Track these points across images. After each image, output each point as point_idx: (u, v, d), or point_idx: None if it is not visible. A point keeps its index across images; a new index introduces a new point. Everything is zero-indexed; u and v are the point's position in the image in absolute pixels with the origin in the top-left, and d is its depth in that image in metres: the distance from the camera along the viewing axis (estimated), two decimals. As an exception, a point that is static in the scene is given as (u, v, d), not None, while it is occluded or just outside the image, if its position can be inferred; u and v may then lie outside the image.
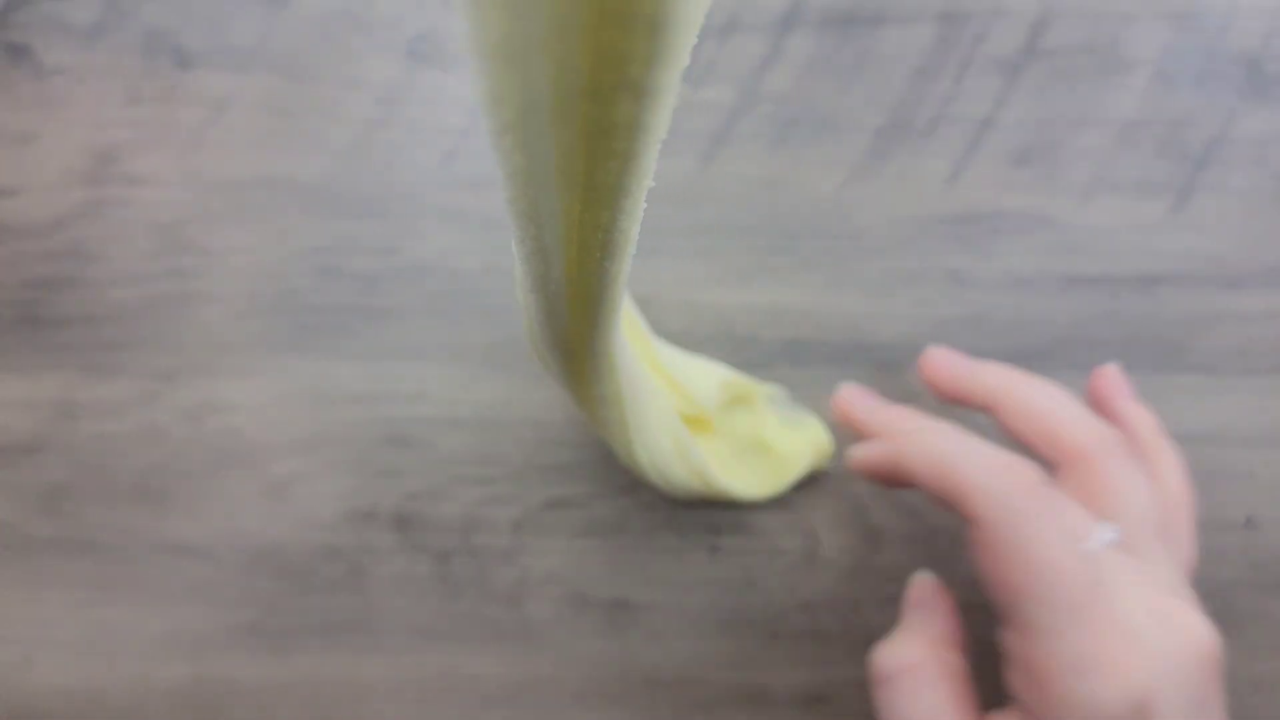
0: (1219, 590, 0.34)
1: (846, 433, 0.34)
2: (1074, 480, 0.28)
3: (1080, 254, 0.34)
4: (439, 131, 0.34)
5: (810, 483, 0.34)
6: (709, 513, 0.34)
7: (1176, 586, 0.27)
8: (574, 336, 0.22)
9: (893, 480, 0.28)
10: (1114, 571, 0.25)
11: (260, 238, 0.34)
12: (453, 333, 0.34)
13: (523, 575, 0.34)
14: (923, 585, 0.30)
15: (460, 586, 0.34)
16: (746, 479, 0.33)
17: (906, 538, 0.34)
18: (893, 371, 0.34)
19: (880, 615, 0.34)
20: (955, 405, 0.31)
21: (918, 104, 0.34)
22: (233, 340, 0.34)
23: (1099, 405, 0.31)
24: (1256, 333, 0.34)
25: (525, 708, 0.34)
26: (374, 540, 0.34)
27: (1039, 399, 0.29)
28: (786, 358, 0.34)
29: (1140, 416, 0.31)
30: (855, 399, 0.32)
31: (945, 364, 0.31)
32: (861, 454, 0.29)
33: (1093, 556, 0.25)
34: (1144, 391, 0.34)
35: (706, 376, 0.32)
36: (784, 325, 0.34)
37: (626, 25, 0.13)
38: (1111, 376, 0.32)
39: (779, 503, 0.34)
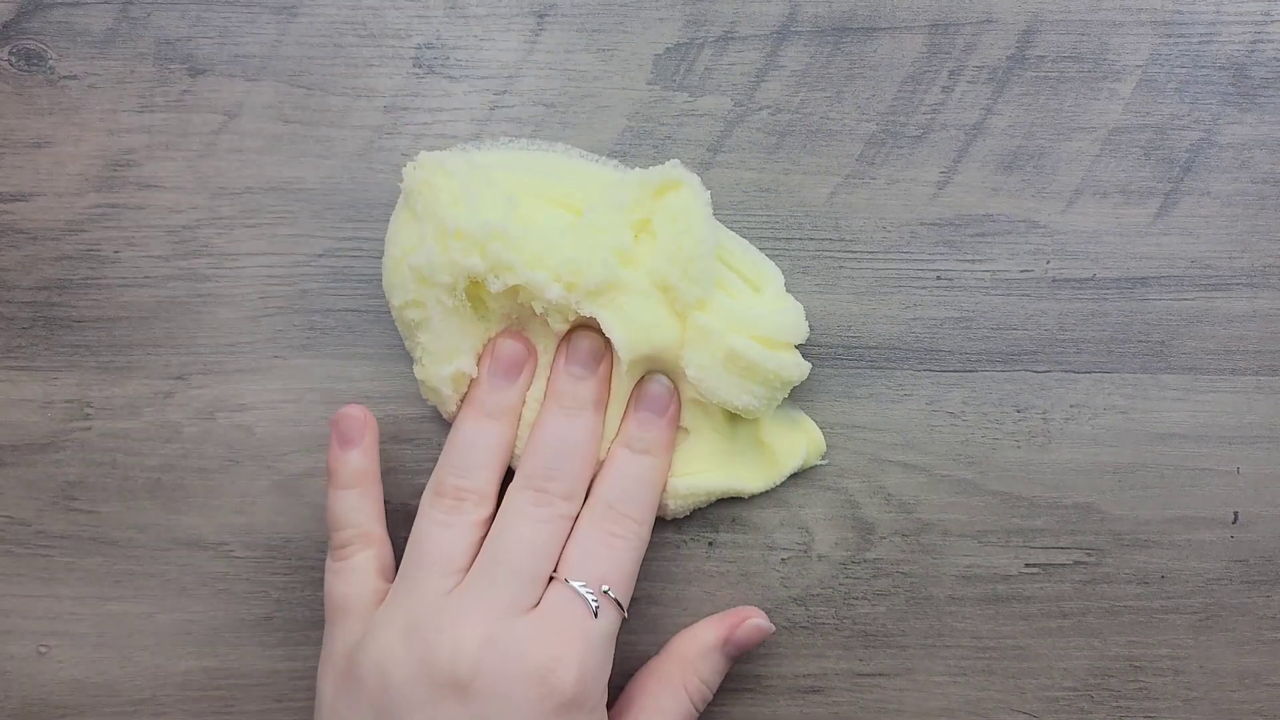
0: (1206, 586, 0.34)
1: (839, 431, 0.35)
2: None
3: (1067, 257, 0.34)
4: (445, 138, 0.34)
5: (804, 479, 0.34)
6: (706, 510, 0.34)
7: None
8: None
9: None
10: None
11: (271, 241, 0.34)
12: (458, 334, 0.35)
13: (525, 569, 0.35)
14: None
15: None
16: (743, 474, 0.34)
17: (898, 532, 0.34)
18: (884, 372, 0.35)
19: (873, 608, 0.34)
20: None
21: (908, 111, 0.34)
22: (244, 340, 0.34)
23: None
24: (1239, 333, 0.34)
25: (528, 698, 0.34)
26: (381, 535, 0.35)
27: None
28: (782, 358, 0.34)
29: None
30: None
31: None
32: None
33: None
34: (1129, 392, 0.34)
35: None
36: (779, 326, 0.34)
37: None
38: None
39: (773, 499, 0.34)
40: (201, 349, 0.35)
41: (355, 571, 0.31)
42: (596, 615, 0.29)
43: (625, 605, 0.30)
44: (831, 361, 0.34)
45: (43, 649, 0.35)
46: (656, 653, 0.34)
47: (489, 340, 0.32)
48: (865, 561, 0.34)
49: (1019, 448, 0.34)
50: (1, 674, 0.35)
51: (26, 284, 0.35)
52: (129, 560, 0.35)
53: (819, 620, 0.34)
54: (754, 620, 0.32)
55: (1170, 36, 0.34)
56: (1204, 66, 0.34)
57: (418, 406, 0.34)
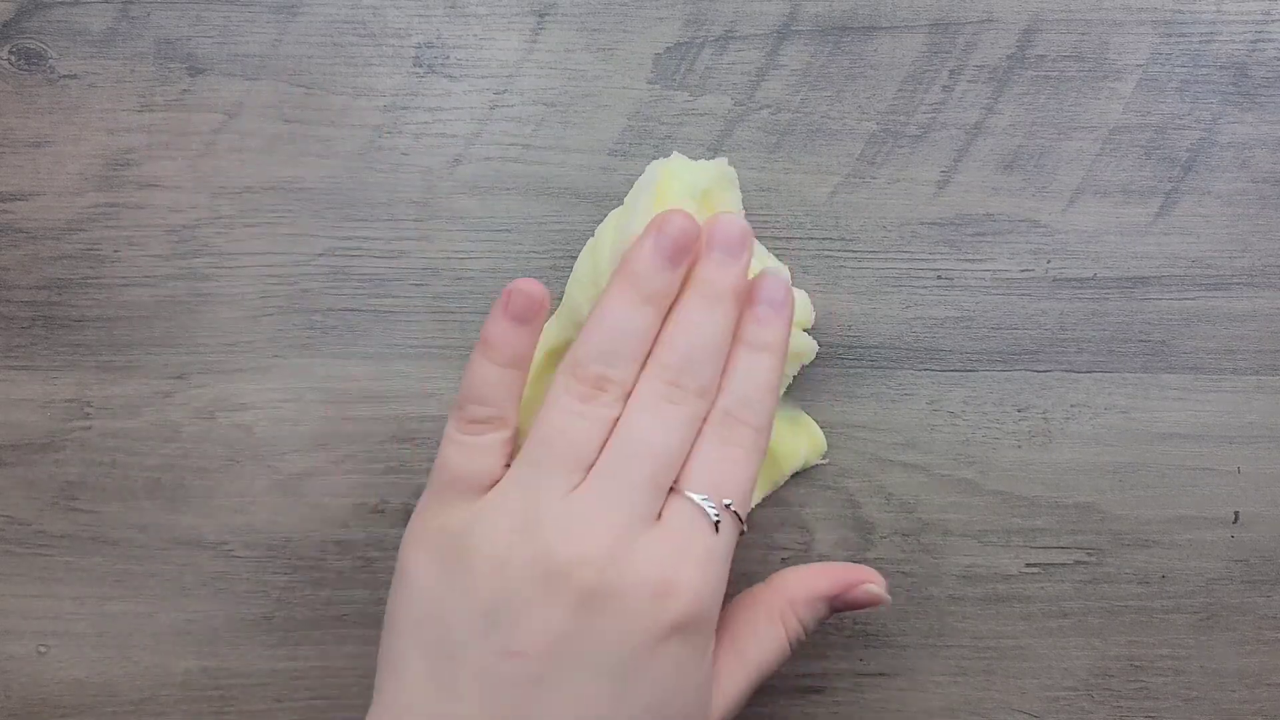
0: (1206, 585, 0.34)
1: (839, 431, 0.35)
2: None
3: (1067, 257, 0.34)
4: (445, 138, 0.35)
5: (804, 479, 0.34)
6: (707, 508, 0.35)
7: None
8: None
9: None
10: None
11: (271, 241, 0.35)
12: (458, 333, 0.35)
13: (526, 569, 0.35)
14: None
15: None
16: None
17: (898, 532, 0.34)
18: (885, 371, 0.35)
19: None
20: None
21: (909, 111, 0.34)
22: (245, 340, 0.34)
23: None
24: (1240, 333, 0.34)
25: (528, 698, 0.34)
26: (382, 534, 0.34)
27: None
28: (782, 357, 0.34)
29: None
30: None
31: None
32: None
33: None
34: (1130, 391, 0.34)
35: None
36: (780, 326, 0.35)
37: None
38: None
39: (774, 499, 0.34)
40: (201, 349, 0.35)
41: (483, 450, 0.29)
42: (718, 530, 0.28)
43: (745, 518, 0.29)
44: (832, 361, 0.34)
45: (42, 649, 0.35)
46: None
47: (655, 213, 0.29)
48: (865, 561, 0.34)
49: (1019, 447, 0.34)
50: (1, 674, 0.35)
51: (26, 284, 0.35)
52: (129, 560, 0.35)
53: (819, 620, 0.34)
54: (871, 586, 0.31)
55: (1171, 36, 0.34)
56: (1204, 66, 0.34)
57: (418, 406, 0.35)
